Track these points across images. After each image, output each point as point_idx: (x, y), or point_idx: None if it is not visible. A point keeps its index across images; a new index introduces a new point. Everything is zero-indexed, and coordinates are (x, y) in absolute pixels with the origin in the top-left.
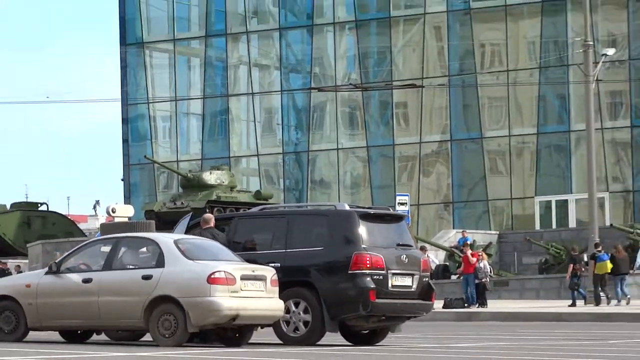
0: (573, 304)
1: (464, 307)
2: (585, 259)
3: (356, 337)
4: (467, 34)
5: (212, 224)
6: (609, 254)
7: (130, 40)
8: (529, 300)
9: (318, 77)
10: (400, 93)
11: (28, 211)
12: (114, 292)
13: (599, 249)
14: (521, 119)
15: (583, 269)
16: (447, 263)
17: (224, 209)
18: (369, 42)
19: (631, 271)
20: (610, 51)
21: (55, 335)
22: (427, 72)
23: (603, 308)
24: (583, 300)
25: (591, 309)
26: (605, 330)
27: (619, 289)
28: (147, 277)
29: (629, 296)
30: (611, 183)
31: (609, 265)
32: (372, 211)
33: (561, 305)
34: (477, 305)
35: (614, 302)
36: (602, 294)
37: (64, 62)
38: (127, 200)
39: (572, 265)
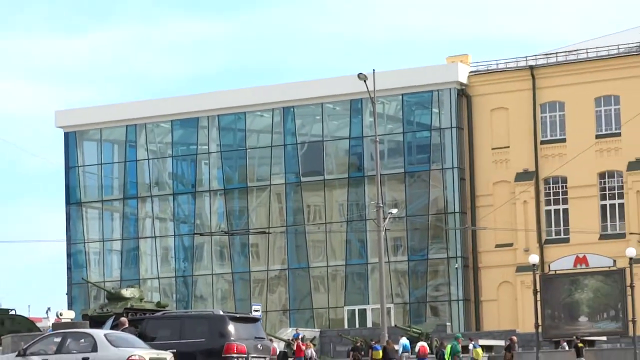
0: None
1: None
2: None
3: None
4: (298, 198)
5: (126, 324)
6: (382, 346)
7: (73, 201)
8: None
9: (199, 226)
10: (254, 237)
11: (2, 315)
12: None
13: (373, 342)
14: (334, 255)
15: (362, 354)
16: (286, 350)
17: (136, 314)
18: (233, 203)
19: (397, 355)
20: (394, 210)
21: None
22: (272, 223)
23: None
24: None
25: None
26: None
27: None
28: (85, 359)
29: None
30: (395, 297)
31: (380, 353)
32: (238, 315)
33: None
34: None
35: None
36: None
37: (28, 216)
38: (70, 307)
39: (351, 352)
